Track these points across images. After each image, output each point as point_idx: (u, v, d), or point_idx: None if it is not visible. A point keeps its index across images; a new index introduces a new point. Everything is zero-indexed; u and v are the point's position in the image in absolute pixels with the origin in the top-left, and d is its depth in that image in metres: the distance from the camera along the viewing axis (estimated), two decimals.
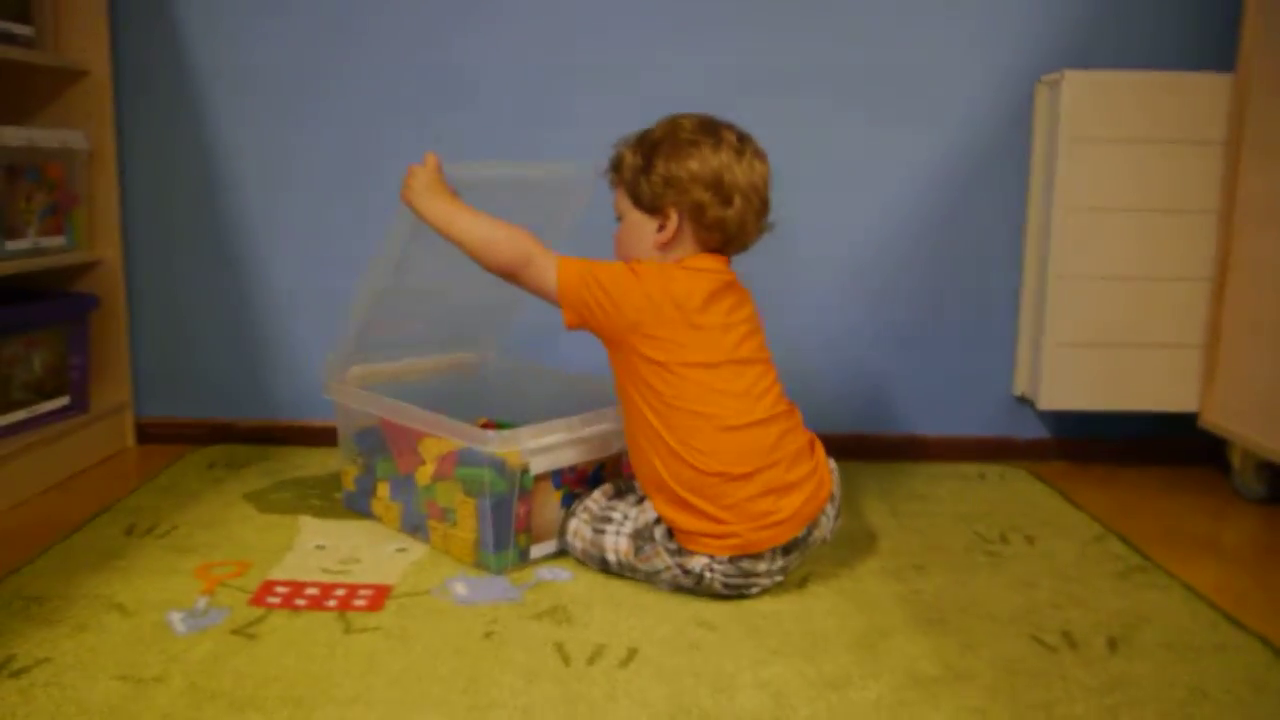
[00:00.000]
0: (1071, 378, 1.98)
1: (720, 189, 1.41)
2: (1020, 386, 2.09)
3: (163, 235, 2.08)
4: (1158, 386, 1.97)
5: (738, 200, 1.42)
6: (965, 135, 2.04)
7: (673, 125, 1.45)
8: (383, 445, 1.65)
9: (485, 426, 1.64)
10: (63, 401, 1.92)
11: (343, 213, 2.07)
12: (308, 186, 2.06)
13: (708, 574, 1.38)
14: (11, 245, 1.79)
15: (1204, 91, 1.90)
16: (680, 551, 1.39)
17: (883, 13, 2.01)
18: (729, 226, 1.43)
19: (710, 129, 1.44)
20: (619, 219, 1.49)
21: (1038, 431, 2.13)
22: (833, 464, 1.48)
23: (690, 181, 1.41)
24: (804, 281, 2.08)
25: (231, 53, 2.03)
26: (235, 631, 1.28)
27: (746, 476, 1.37)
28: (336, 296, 2.08)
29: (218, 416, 2.13)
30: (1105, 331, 1.96)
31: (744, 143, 1.44)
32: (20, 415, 1.82)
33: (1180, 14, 2.01)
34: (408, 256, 1.56)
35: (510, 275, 1.44)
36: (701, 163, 1.41)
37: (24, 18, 1.86)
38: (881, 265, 2.08)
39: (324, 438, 2.07)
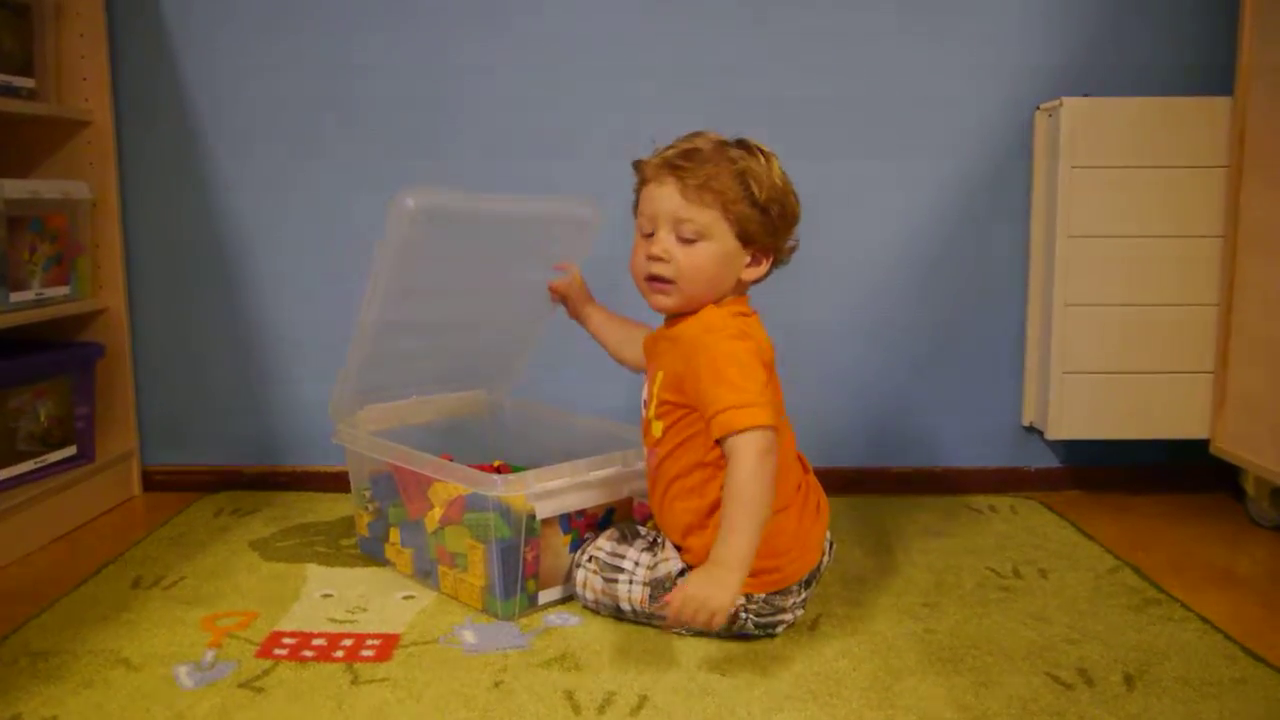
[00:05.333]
0: (1080, 406, 1.97)
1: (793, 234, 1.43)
2: (1029, 416, 2.08)
3: (167, 282, 2.09)
4: (1167, 413, 1.96)
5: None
6: (966, 164, 2.04)
7: (764, 157, 1.39)
8: (394, 490, 1.65)
9: (499, 469, 1.64)
10: (69, 451, 1.92)
11: (348, 257, 2.07)
12: (312, 231, 2.07)
13: (741, 614, 1.36)
14: (16, 297, 1.79)
15: (1204, 116, 1.90)
16: None
17: (882, 44, 2.02)
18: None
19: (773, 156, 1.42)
20: (694, 240, 1.36)
21: (1048, 461, 2.11)
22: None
23: (791, 228, 1.42)
24: (808, 314, 2.07)
25: (233, 99, 2.04)
26: (242, 685, 1.26)
27: (786, 509, 1.37)
28: (342, 342, 2.08)
29: (224, 463, 2.12)
30: (1113, 359, 1.95)
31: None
32: (27, 466, 1.82)
33: (1178, 39, 2.01)
34: (405, 290, 1.54)
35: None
36: (798, 204, 1.42)
37: (26, 70, 1.87)
38: (885, 296, 2.07)
39: (330, 483, 2.06)
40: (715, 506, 1.34)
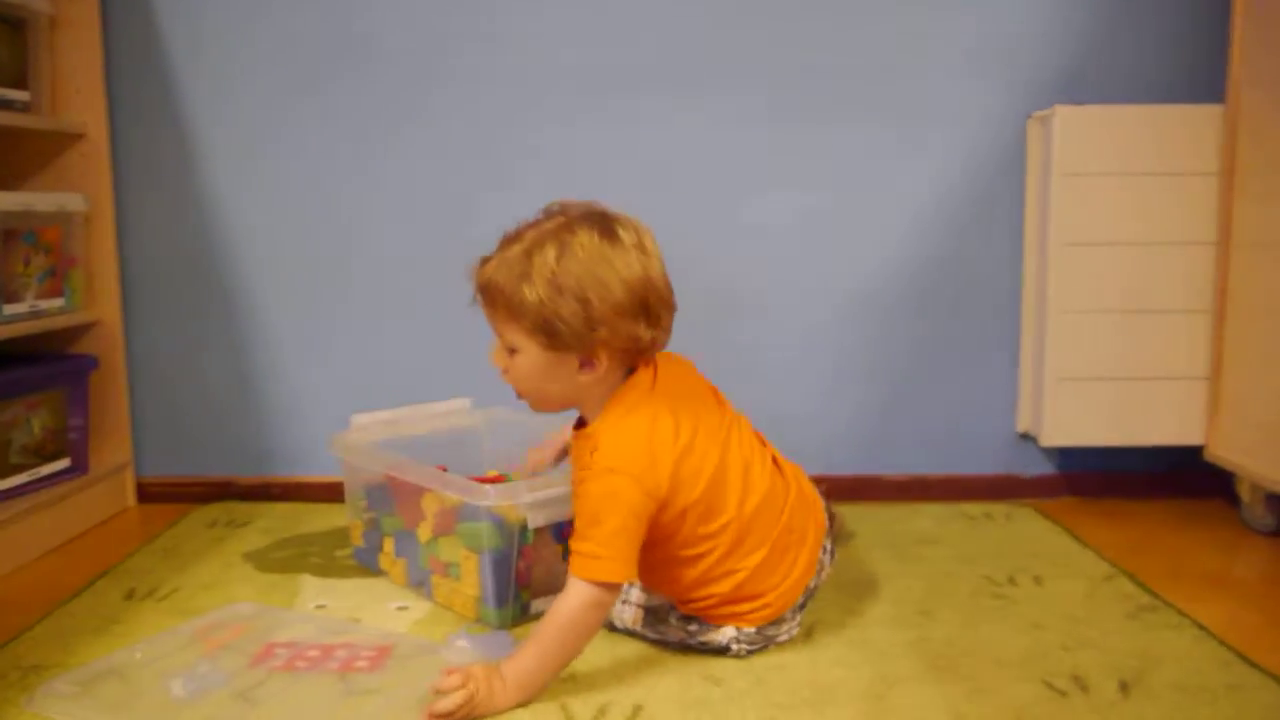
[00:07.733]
0: (1074, 413, 1.97)
1: (648, 310, 1.24)
2: (1023, 423, 2.08)
3: (161, 294, 2.09)
4: (1162, 420, 1.96)
5: (665, 317, 1.26)
6: (959, 172, 2.04)
7: (567, 238, 1.22)
8: (389, 500, 1.64)
9: (494, 479, 1.63)
10: (63, 463, 1.92)
11: (342, 268, 2.07)
12: (307, 243, 2.07)
13: (734, 645, 1.35)
14: (10, 309, 1.79)
15: (1196, 123, 1.91)
16: (701, 630, 1.37)
17: (874, 53, 2.02)
18: (660, 345, 1.29)
19: (606, 230, 1.23)
20: (514, 350, 1.28)
21: (1043, 468, 2.11)
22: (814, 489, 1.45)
23: (618, 316, 1.22)
24: (801, 321, 2.07)
25: (228, 112, 2.05)
26: (236, 695, 1.26)
27: (771, 550, 1.33)
28: (336, 353, 2.09)
29: (218, 474, 2.12)
30: (1107, 365, 1.95)
31: (639, 232, 1.25)
32: (21, 479, 1.82)
33: (1170, 47, 2.02)
34: None
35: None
36: (624, 285, 1.22)
37: (20, 83, 1.87)
38: (879, 303, 2.07)
39: (323, 493, 2.06)
40: (694, 585, 1.33)
